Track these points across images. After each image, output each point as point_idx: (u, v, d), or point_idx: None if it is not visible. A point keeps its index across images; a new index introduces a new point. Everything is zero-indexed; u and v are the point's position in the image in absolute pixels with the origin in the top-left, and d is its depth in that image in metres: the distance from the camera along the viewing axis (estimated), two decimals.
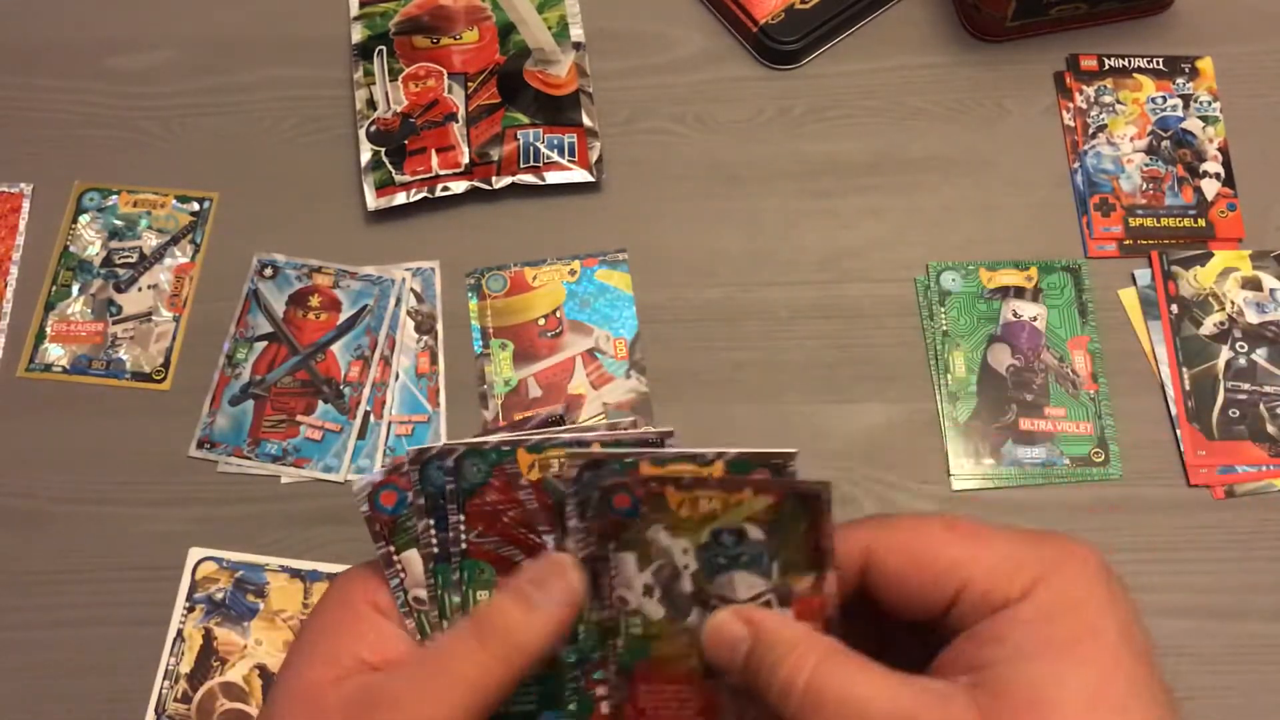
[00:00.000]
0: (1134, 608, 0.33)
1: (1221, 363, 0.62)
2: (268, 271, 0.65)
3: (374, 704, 0.35)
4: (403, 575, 0.36)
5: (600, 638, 0.36)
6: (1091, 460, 0.60)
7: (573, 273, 0.65)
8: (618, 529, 0.36)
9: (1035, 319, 0.64)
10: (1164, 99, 0.69)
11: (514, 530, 0.36)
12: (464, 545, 0.36)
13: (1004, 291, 0.64)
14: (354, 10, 0.73)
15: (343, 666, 0.35)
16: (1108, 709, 0.31)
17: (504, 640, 0.35)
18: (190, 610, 0.58)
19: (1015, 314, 0.64)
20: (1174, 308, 0.63)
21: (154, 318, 0.65)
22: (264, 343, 0.63)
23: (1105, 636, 0.32)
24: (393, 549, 0.35)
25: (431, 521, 0.35)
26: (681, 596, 0.36)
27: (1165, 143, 0.68)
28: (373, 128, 0.68)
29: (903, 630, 0.36)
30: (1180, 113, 0.69)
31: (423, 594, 0.36)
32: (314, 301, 0.64)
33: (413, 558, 0.35)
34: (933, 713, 0.31)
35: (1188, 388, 0.61)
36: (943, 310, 0.64)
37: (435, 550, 0.35)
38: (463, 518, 0.35)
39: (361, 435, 0.61)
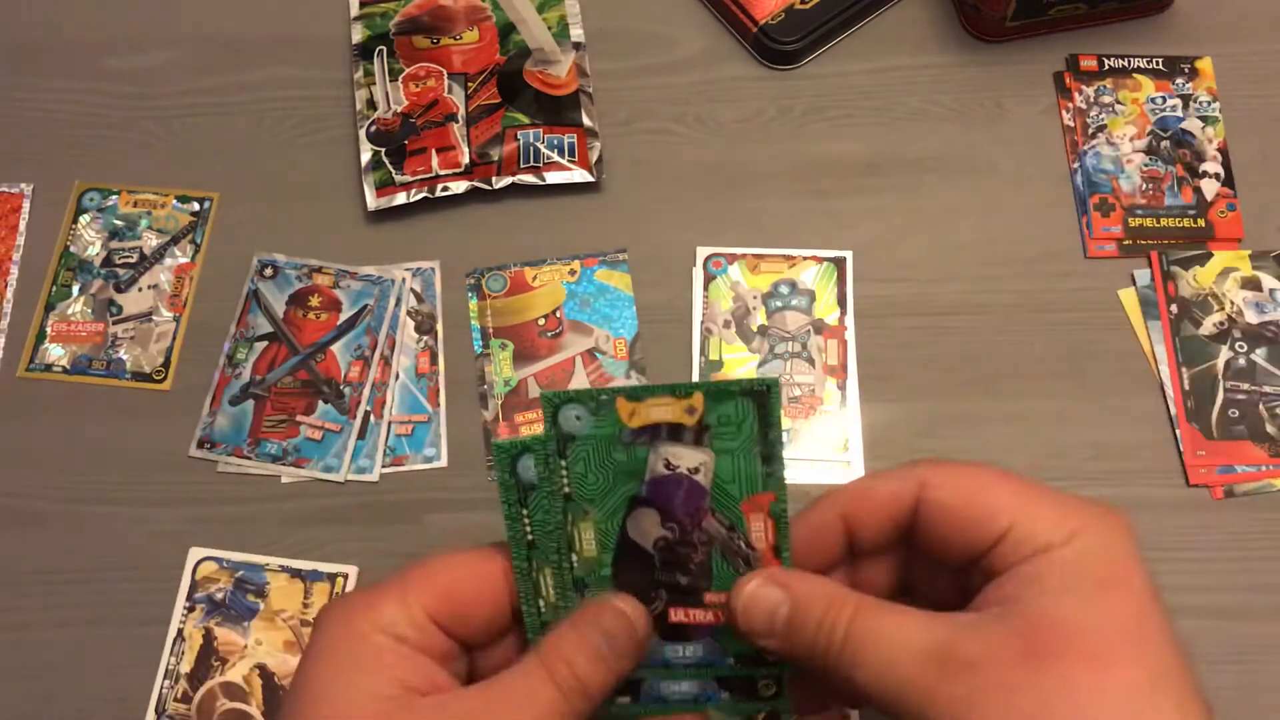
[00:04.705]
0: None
1: (1221, 363, 0.62)
2: (268, 271, 0.65)
3: None
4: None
5: None
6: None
7: (573, 273, 0.65)
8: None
9: (698, 471, 0.39)
10: (1163, 99, 0.69)
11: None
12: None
13: (652, 432, 0.38)
14: (354, 10, 0.73)
15: (388, 697, 0.35)
16: (1137, 642, 0.32)
17: (574, 690, 0.36)
18: (190, 610, 0.58)
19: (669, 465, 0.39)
20: (1173, 308, 0.63)
21: (154, 318, 0.65)
22: (264, 343, 0.63)
23: (1137, 582, 0.33)
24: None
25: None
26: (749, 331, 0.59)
27: (1165, 143, 0.68)
28: (373, 128, 0.68)
29: (941, 577, 0.38)
30: (1180, 113, 0.69)
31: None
32: (314, 301, 0.64)
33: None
34: (969, 641, 0.33)
35: (1187, 388, 0.61)
36: (563, 464, 0.39)
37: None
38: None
39: (361, 435, 0.61)
